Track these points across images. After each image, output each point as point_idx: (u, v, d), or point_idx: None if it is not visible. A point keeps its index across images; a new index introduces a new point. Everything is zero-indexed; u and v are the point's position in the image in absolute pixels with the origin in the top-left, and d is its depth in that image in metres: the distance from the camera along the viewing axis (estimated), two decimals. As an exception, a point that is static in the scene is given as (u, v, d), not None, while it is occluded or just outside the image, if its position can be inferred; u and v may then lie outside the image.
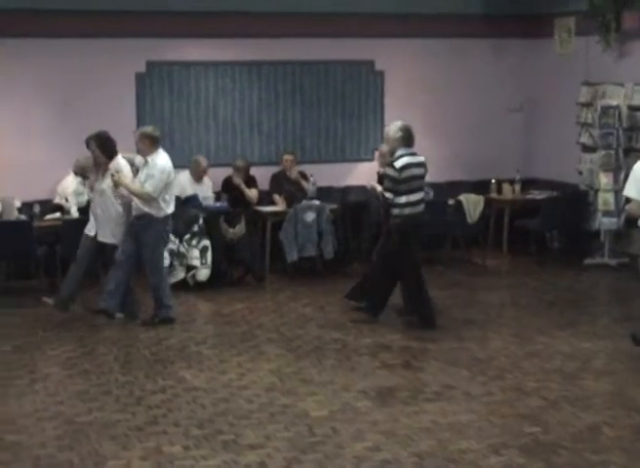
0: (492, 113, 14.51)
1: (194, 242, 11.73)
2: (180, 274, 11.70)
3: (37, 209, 11.85)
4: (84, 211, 11.53)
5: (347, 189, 13.86)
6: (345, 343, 9.48)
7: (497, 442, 6.85)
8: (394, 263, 9.98)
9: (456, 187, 13.69)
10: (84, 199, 11.69)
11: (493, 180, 13.89)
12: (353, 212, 12.89)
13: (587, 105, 13.53)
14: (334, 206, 12.75)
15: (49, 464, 6.54)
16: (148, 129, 10.29)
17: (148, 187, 9.91)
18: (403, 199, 9.87)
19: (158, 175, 9.94)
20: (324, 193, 13.00)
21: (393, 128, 10.07)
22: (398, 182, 9.84)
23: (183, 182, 12.42)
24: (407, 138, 9.99)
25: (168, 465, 6.50)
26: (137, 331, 9.93)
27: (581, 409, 7.55)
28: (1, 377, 8.47)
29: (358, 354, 9.13)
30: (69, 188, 11.93)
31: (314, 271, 12.53)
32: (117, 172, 10.02)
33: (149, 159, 10.04)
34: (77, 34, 12.36)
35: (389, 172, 9.91)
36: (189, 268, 11.72)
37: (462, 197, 13.20)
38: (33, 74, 12.36)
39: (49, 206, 12.02)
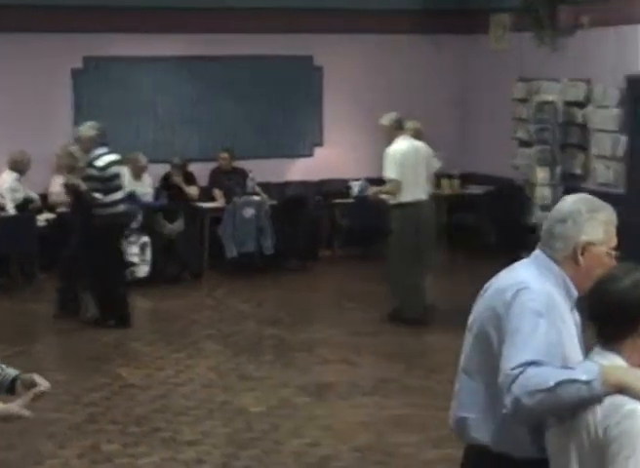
0: (430, 108, 14.58)
1: (133, 238, 11.66)
2: (120, 271, 11.63)
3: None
4: (21, 207, 11.42)
5: (286, 185, 13.87)
6: (283, 339, 9.49)
7: (435, 435, 6.89)
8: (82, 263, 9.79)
9: (394, 182, 13.73)
10: (20, 195, 11.56)
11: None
12: (292, 207, 12.90)
13: (523, 101, 13.67)
14: (273, 201, 12.76)
15: (-15, 464, 6.48)
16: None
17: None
18: (107, 198, 9.73)
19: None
20: (262, 189, 12.99)
21: (85, 127, 9.91)
22: (102, 181, 9.72)
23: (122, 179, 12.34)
24: (102, 136, 9.87)
25: (106, 463, 6.47)
26: (73, 328, 9.84)
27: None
28: None
29: (296, 350, 9.14)
30: (5, 185, 11.78)
31: (253, 267, 12.52)
32: None
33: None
34: (11, 29, 12.21)
35: (92, 172, 9.71)
36: (129, 265, 11.64)
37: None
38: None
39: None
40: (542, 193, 13.01)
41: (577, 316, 3.44)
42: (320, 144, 14.19)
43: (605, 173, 12.54)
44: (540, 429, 3.23)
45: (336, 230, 13.50)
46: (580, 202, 3.42)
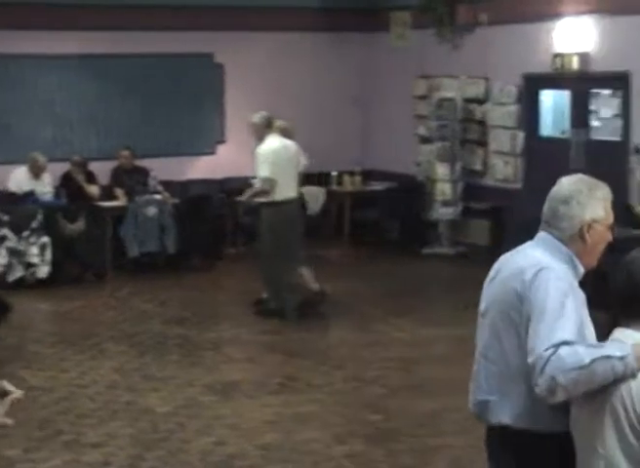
0: (331, 106, 14.64)
1: (33, 239, 11.47)
2: (19, 272, 11.43)
3: None
4: None
5: (188, 183, 13.80)
6: (188, 338, 9.44)
7: (340, 431, 6.94)
8: None
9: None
10: None
11: (334, 173, 14.06)
12: (195, 206, 12.83)
13: (423, 98, 13.81)
14: (175, 200, 12.67)
15: None
16: None
17: None
18: None
19: None
20: (165, 187, 12.87)
21: None
22: None
23: (20, 178, 12.16)
24: None
25: (7, 468, 6.35)
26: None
27: (421, 395, 7.72)
28: None
29: (202, 349, 9.10)
30: None
31: (156, 266, 12.41)
32: None
33: None
34: None
35: None
36: (28, 266, 11.46)
37: (304, 189, 13.30)
38: None
39: None
40: (443, 189, 13.17)
41: (582, 292, 3.54)
42: (222, 142, 14.15)
43: (503, 168, 12.74)
44: (560, 405, 3.32)
45: (239, 228, 13.47)
46: (580, 182, 3.58)
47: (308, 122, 14.46)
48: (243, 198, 10.91)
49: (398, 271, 12.42)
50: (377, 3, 14.34)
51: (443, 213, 13.24)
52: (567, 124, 12.04)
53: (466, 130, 13.25)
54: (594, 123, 11.95)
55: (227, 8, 13.63)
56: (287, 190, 10.02)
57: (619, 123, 11.33)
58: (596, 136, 11.71)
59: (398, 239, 13.82)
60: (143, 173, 12.91)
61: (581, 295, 3.48)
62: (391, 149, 14.56)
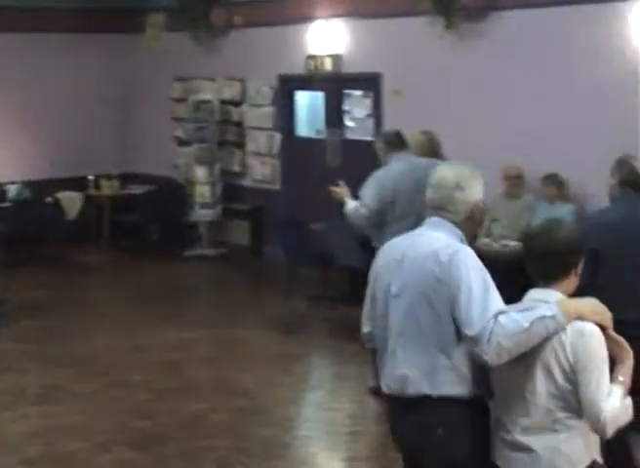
0: (88, 108, 14.36)
1: None
2: None
3: None
4: None
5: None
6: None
7: (106, 439, 6.83)
8: None
9: (53, 185, 13.44)
10: None
11: (91, 177, 13.82)
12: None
13: (181, 100, 13.77)
14: None
15: None
16: None
17: None
18: None
19: None
20: None
21: None
22: None
23: None
24: None
25: None
26: None
27: (188, 397, 7.70)
28: None
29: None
30: None
31: None
32: None
33: None
34: None
35: None
36: None
37: (60, 194, 13.04)
38: None
39: None
40: (202, 191, 13.18)
41: None
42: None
43: (261, 169, 12.89)
44: (475, 371, 3.78)
45: None
46: (461, 168, 4.02)
47: (65, 125, 14.17)
48: None
49: (160, 274, 12.32)
50: (131, 4, 14.16)
51: (203, 214, 13.24)
52: (322, 124, 12.29)
53: (224, 131, 13.31)
54: (348, 123, 12.27)
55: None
56: None
57: (371, 123, 11.67)
58: (350, 136, 12.03)
59: (159, 242, 13.72)
60: None
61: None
62: (150, 152, 14.45)
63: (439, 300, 3.76)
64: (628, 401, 3.62)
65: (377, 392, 9.10)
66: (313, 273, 10.69)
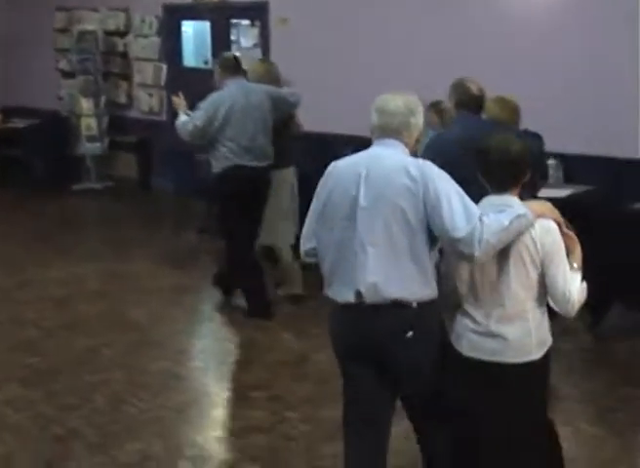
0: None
1: None
2: None
3: None
4: None
5: None
6: None
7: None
8: None
9: None
10: None
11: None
12: None
13: (64, 31, 13.46)
14: None
15: None
16: None
17: None
18: None
19: None
20: None
21: None
22: None
23: None
24: None
25: None
26: None
27: (78, 333, 7.63)
28: None
29: None
30: None
31: None
32: None
33: None
34: None
35: None
36: None
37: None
38: None
39: None
40: (88, 123, 12.99)
41: None
42: None
43: (148, 100, 12.73)
44: (440, 274, 4.19)
45: None
46: (407, 95, 4.27)
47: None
48: None
49: (48, 210, 12.13)
50: None
51: (89, 147, 13.05)
52: (209, 54, 12.15)
53: (109, 63, 13.08)
54: (236, 53, 12.13)
55: None
56: None
57: (258, 52, 11.57)
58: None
59: (45, 177, 13.47)
60: None
61: None
62: (34, 85, 14.12)
63: (412, 211, 4.04)
64: (584, 284, 4.11)
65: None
66: (202, 205, 10.63)
